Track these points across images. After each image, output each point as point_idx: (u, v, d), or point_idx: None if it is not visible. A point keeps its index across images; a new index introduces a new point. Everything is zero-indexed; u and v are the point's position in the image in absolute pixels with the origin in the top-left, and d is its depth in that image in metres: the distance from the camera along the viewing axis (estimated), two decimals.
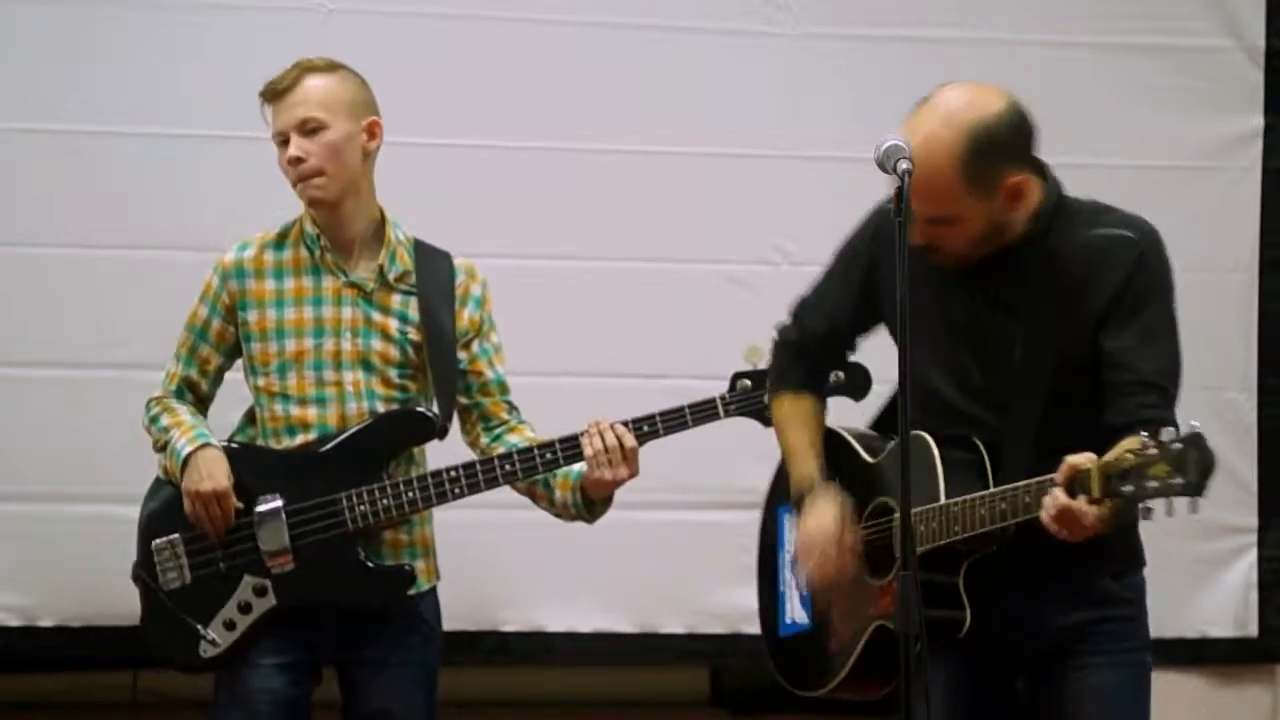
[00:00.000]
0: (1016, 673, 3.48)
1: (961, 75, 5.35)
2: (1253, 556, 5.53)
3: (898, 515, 3.40)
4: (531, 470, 3.87)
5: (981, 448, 3.37)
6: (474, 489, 3.86)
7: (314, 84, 3.86)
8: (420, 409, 3.92)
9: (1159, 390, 3.27)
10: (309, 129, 3.83)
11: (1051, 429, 3.27)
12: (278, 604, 3.81)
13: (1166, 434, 3.01)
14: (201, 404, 3.98)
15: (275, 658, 3.83)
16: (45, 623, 5.07)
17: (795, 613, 3.71)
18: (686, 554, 5.29)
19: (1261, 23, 5.51)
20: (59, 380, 5.04)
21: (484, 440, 3.98)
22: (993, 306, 3.40)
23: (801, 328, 3.70)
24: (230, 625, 3.82)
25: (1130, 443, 3.08)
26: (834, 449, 3.64)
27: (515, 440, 3.95)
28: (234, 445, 3.91)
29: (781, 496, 3.76)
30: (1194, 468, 2.99)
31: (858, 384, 3.89)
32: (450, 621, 5.21)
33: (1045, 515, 3.15)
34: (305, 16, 5.16)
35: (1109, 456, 3.09)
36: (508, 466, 3.86)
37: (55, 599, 5.06)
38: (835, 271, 3.64)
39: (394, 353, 3.90)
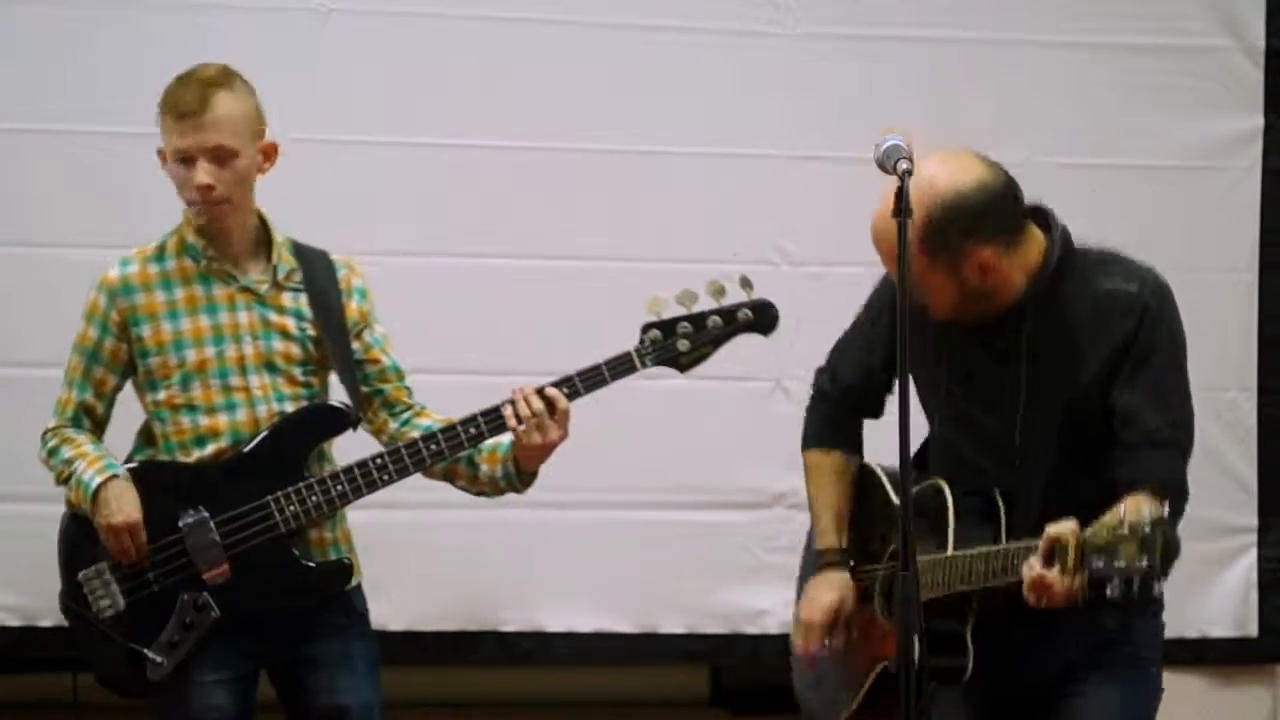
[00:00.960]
0: (1018, 704, 3.49)
1: (961, 75, 5.40)
2: (1253, 556, 5.54)
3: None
4: (457, 447, 3.82)
5: (999, 499, 3.38)
6: (403, 474, 3.82)
7: (223, 105, 3.79)
8: (332, 402, 3.91)
9: (1169, 446, 3.28)
10: (220, 156, 3.79)
11: (1061, 482, 3.28)
12: (220, 615, 3.77)
13: (1142, 514, 3.02)
14: (99, 429, 3.92)
15: (218, 673, 3.80)
16: (45, 623, 5.07)
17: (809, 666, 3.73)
18: (686, 554, 5.29)
19: (1261, 23, 5.50)
20: (59, 380, 5.03)
21: (393, 426, 3.94)
22: (1003, 359, 3.40)
23: (836, 378, 3.73)
24: (173, 644, 3.77)
25: (1110, 518, 3.08)
26: (867, 487, 3.68)
27: (426, 423, 3.91)
28: (144, 464, 3.85)
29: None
30: (1158, 553, 3.01)
31: (766, 321, 3.87)
32: (450, 621, 5.24)
33: (1024, 584, 3.17)
34: (305, 16, 5.16)
35: (1089, 530, 3.10)
36: (433, 446, 3.81)
37: (55, 599, 5.05)
38: (863, 320, 3.67)
39: (296, 351, 3.87)
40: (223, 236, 3.87)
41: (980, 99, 5.29)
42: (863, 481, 3.68)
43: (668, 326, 3.86)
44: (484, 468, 3.91)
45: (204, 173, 3.79)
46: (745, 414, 5.31)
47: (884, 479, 3.65)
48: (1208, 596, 5.50)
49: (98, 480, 3.78)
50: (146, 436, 3.93)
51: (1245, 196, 5.51)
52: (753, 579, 5.31)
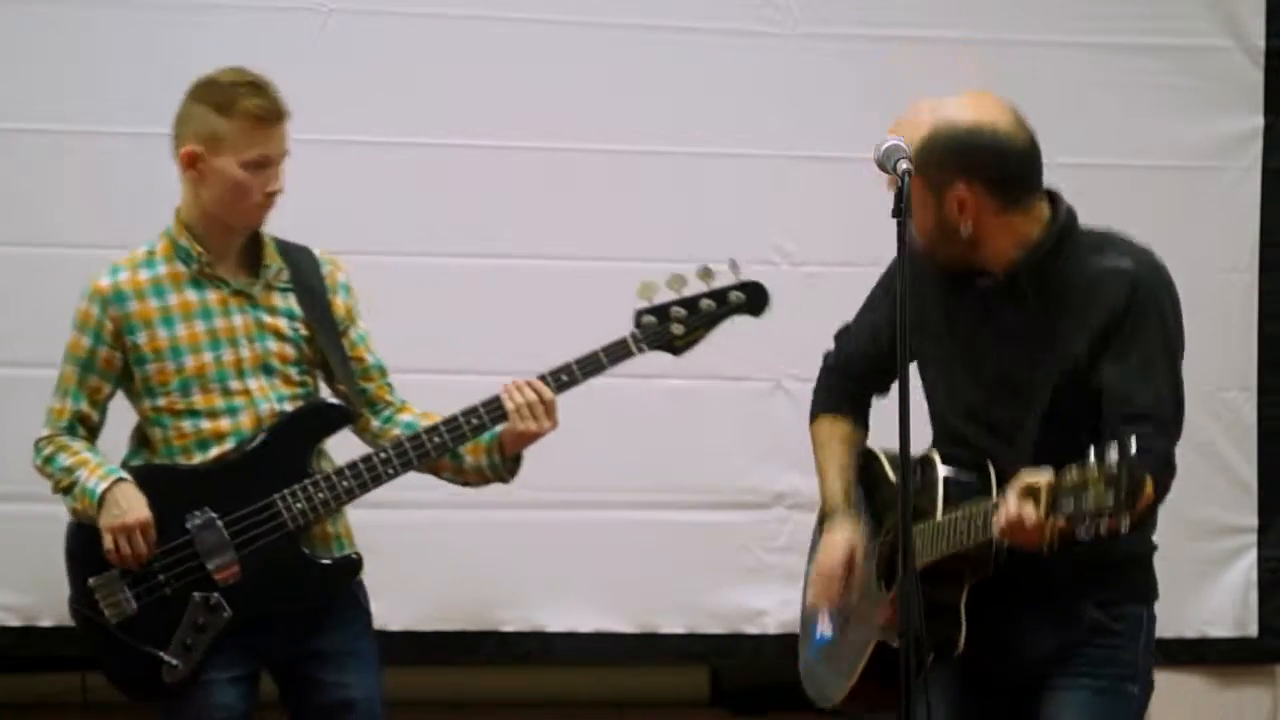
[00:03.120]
0: (1006, 693, 3.49)
1: (961, 75, 5.37)
2: (1253, 556, 5.54)
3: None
4: (460, 438, 3.84)
5: (990, 469, 3.38)
6: (407, 467, 3.85)
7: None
8: (330, 399, 3.92)
9: (1154, 421, 3.26)
10: (281, 162, 3.85)
11: (1049, 457, 3.27)
12: (233, 615, 3.77)
13: (1111, 453, 3.00)
14: (93, 435, 3.91)
15: (226, 671, 3.81)
16: (45, 623, 5.07)
17: (823, 626, 3.73)
18: (686, 554, 5.29)
19: (1261, 23, 5.50)
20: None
21: (375, 424, 3.96)
22: (998, 333, 3.41)
23: (840, 351, 3.75)
24: (188, 645, 3.77)
25: (1081, 463, 3.08)
26: (869, 469, 3.68)
27: (407, 419, 3.94)
28: (146, 468, 3.85)
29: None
30: (1124, 488, 2.98)
31: (757, 302, 3.93)
32: (450, 622, 5.25)
33: (995, 526, 3.18)
34: (305, 16, 5.16)
35: (1061, 474, 3.10)
36: (436, 438, 3.84)
37: (55, 599, 5.04)
38: (872, 296, 3.68)
39: (290, 351, 3.88)
40: (230, 240, 3.88)
41: None
42: (865, 465, 3.69)
43: (661, 311, 3.91)
44: (469, 459, 3.93)
45: (280, 178, 3.84)
46: (745, 414, 5.31)
47: (884, 460, 3.66)
48: (1208, 596, 5.51)
49: (103, 485, 3.78)
50: (141, 440, 3.93)
51: (1245, 196, 5.51)
52: (753, 579, 5.31)
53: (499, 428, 3.87)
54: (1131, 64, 5.47)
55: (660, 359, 5.06)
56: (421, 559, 5.18)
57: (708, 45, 5.32)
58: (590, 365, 3.88)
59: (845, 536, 3.58)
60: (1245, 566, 5.54)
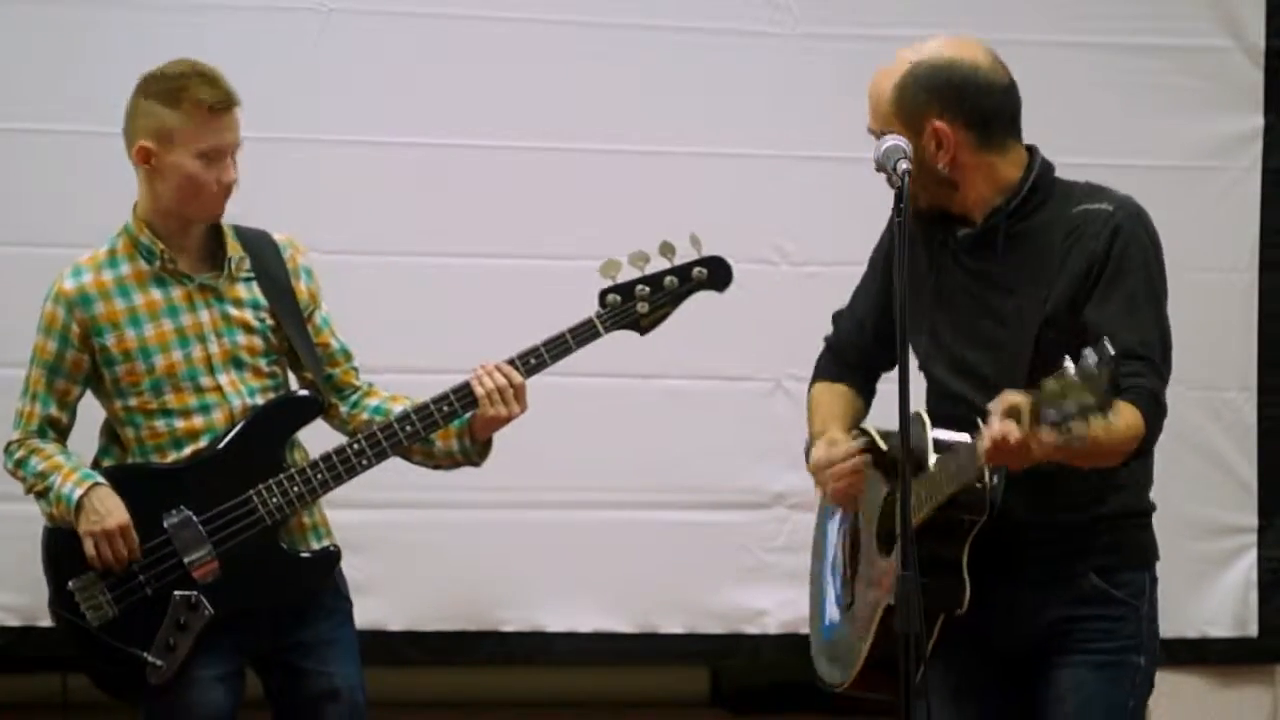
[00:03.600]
0: (1008, 669, 3.48)
1: None
2: (1253, 556, 5.54)
3: (894, 495, 3.44)
4: (432, 426, 3.83)
5: (980, 424, 3.37)
6: (381, 457, 3.83)
7: None
8: (301, 392, 3.91)
9: (1142, 360, 3.26)
10: (235, 150, 3.82)
11: None
12: (214, 613, 3.76)
13: (1087, 356, 2.98)
14: (63, 437, 3.89)
15: (212, 669, 3.79)
16: (45, 623, 5.05)
17: (831, 613, 3.71)
18: (686, 554, 5.29)
19: (1261, 23, 5.51)
20: None
21: (343, 409, 3.94)
22: (980, 283, 3.42)
23: (837, 332, 3.75)
24: (171, 645, 3.76)
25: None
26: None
27: (374, 403, 3.93)
28: (119, 469, 3.83)
29: (825, 509, 3.78)
30: (1103, 387, 2.95)
31: (720, 277, 3.96)
32: (450, 621, 5.24)
33: (980, 449, 3.17)
34: (305, 16, 5.16)
35: (1042, 388, 3.08)
36: (409, 427, 3.82)
37: None
38: (865, 277, 3.68)
39: (258, 343, 3.86)
40: (191, 234, 3.85)
41: None
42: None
43: (626, 290, 3.90)
44: (439, 444, 3.91)
45: (235, 168, 3.80)
46: (745, 414, 5.31)
47: (874, 434, 3.64)
48: (1208, 596, 5.51)
49: (79, 491, 3.76)
50: (111, 437, 3.91)
51: (1245, 196, 5.52)
52: (752, 579, 5.31)
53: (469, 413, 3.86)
54: (1131, 64, 5.47)
55: (660, 358, 5.08)
56: (422, 559, 5.18)
57: (708, 45, 5.32)
58: (557, 347, 3.87)
59: (838, 438, 3.53)
60: (1245, 566, 5.54)
